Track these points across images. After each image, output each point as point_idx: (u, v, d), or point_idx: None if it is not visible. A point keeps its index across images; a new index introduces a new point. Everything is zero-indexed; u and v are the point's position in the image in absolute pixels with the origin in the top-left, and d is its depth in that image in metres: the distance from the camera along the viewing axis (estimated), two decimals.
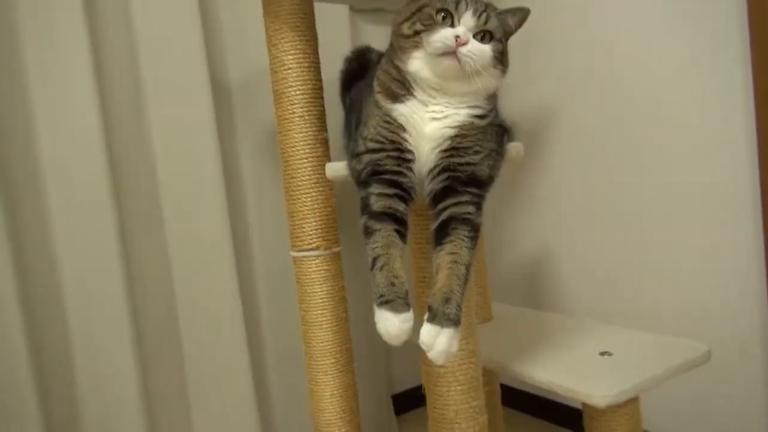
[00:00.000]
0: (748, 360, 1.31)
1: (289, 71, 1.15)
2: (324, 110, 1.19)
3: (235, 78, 1.54)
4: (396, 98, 0.89)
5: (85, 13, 1.29)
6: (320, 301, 1.19)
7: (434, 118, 0.88)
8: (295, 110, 1.15)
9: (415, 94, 0.89)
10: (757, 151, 1.23)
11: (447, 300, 0.83)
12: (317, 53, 1.18)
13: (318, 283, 1.19)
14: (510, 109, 1.29)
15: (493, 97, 0.92)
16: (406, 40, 0.86)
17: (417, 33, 0.85)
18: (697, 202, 1.35)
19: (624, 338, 1.21)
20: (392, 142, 0.89)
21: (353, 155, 0.94)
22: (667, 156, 1.40)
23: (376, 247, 0.86)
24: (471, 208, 0.88)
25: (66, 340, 1.31)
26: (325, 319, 1.20)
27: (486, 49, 0.85)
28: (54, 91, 1.28)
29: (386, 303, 0.82)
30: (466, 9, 0.84)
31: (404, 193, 0.90)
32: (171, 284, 1.45)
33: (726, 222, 1.31)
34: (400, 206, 0.89)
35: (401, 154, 0.89)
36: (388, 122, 0.90)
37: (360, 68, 1.24)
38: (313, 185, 1.18)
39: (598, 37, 1.51)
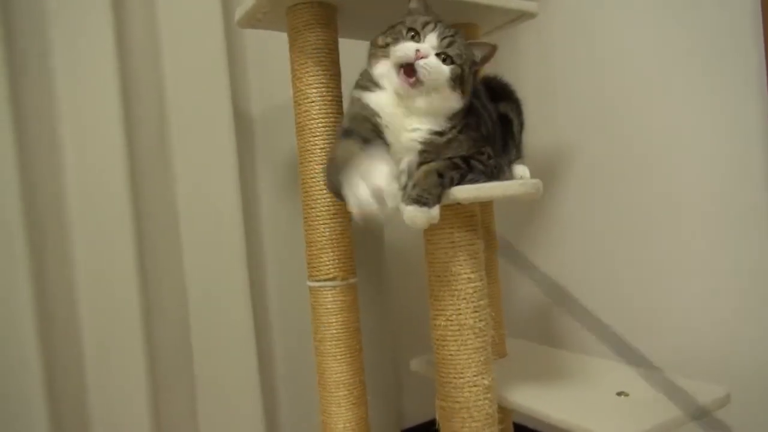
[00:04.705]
0: (765, 405, 1.28)
1: (313, 104, 1.17)
2: None
3: (257, 109, 1.58)
4: (366, 88, 0.98)
5: (116, 42, 1.33)
6: (335, 332, 1.19)
7: (406, 129, 0.96)
8: (316, 142, 1.18)
9: (384, 88, 0.97)
10: None
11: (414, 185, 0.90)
12: (340, 87, 1.21)
13: (333, 313, 1.19)
14: (525, 146, 1.32)
15: (454, 118, 0.97)
16: (377, 49, 0.96)
17: (386, 45, 0.94)
18: (718, 243, 1.35)
19: (641, 379, 1.19)
20: (367, 120, 0.96)
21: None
22: (685, 195, 1.40)
23: (341, 148, 0.95)
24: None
25: (79, 359, 1.32)
26: (339, 350, 1.20)
27: (444, 68, 0.92)
28: (82, 117, 1.31)
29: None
30: (432, 30, 0.93)
31: None
32: (186, 309, 1.46)
33: (746, 265, 1.30)
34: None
35: (378, 130, 0.95)
36: (362, 106, 0.97)
37: None
38: (332, 216, 1.19)
39: (612, 73, 1.53)
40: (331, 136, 1.18)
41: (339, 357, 1.19)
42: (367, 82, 0.99)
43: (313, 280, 1.21)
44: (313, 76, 1.17)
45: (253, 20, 1.24)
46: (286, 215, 1.58)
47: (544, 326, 1.80)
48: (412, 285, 1.57)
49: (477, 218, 1.03)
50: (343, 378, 1.19)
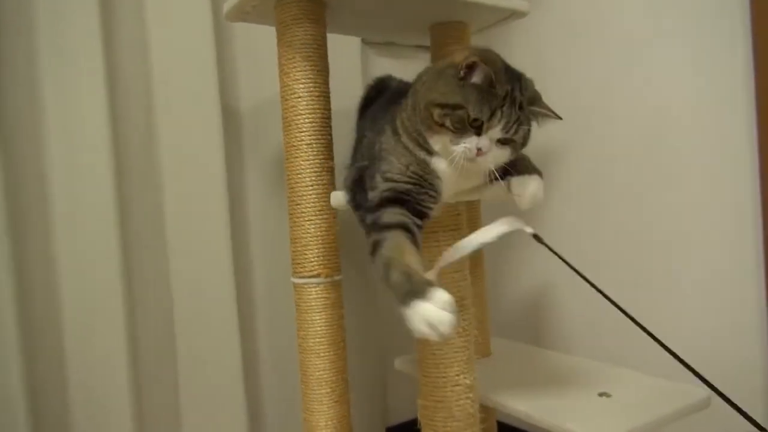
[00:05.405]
0: (747, 408, 1.29)
1: (300, 99, 1.16)
2: (332, 139, 1.21)
3: (245, 104, 1.57)
4: (431, 152, 0.91)
5: (102, 36, 1.32)
6: (319, 328, 1.19)
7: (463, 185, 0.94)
8: (303, 138, 1.17)
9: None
10: (761, 217, 1.23)
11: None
12: (328, 83, 1.20)
13: (317, 310, 1.19)
14: None
15: None
16: (433, 122, 0.86)
17: (444, 126, 0.85)
18: (703, 248, 1.35)
19: (623, 380, 1.20)
20: (429, 183, 0.91)
21: (371, 188, 0.94)
22: (673, 199, 1.40)
23: (384, 252, 0.82)
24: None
25: (61, 362, 1.31)
26: (322, 347, 1.19)
27: (504, 153, 0.87)
28: (67, 110, 1.30)
29: (414, 295, 0.74)
30: (498, 122, 0.84)
31: (422, 218, 0.91)
32: (170, 304, 1.45)
33: (730, 272, 1.31)
34: (415, 223, 0.89)
35: (435, 194, 0.92)
36: (424, 167, 0.91)
37: (378, 95, 1.27)
38: (318, 213, 1.18)
39: (603, 72, 1.53)
40: (318, 132, 1.17)
41: (322, 354, 1.19)
42: (425, 143, 0.90)
43: (297, 277, 1.21)
44: (300, 71, 1.16)
45: (241, 13, 1.23)
46: (273, 211, 1.58)
47: (529, 326, 1.80)
48: None
49: (462, 217, 1.03)
50: (325, 375, 1.19)
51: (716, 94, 1.31)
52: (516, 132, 0.86)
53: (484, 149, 0.84)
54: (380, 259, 0.82)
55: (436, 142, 0.88)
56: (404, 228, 0.87)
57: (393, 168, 0.91)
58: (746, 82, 1.24)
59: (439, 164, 0.90)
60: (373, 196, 0.92)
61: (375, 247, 0.85)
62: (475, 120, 0.84)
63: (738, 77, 1.26)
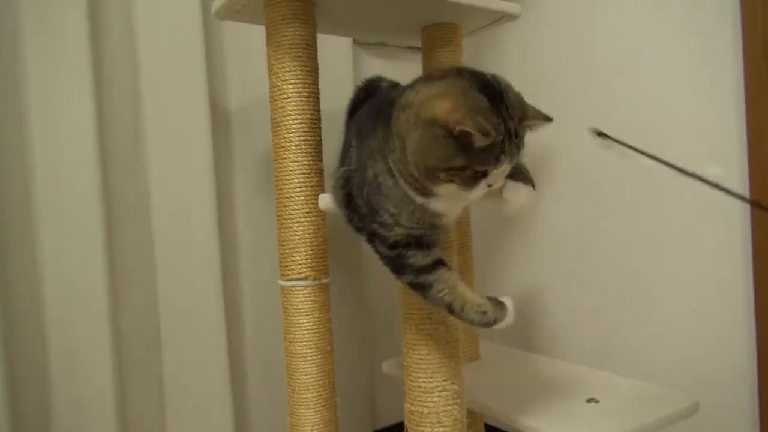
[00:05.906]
0: (735, 414, 1.29)
1: (288, 100, 1.15)
2: (321, 140, 1.19)
3: (234, 104, 1.55)
4: (429, 195, 0.88)
5: (90, 34, 1.30)
6: (306, 332, 1.18)
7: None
8: (292, 139, 1.16)
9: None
10: (750, 223, 1.23)
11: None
12: (317, 84, 1.19)
13: (305, 313, 1.18)
14: None
15: None
16: (440, 180, 0.83)
17: (451, 181, 0.83)
18: (693, 253, 1.35)
19: (612, 385, 1.19)
20: (432, 224, 0.91)
21: (381, 224, 0.92)
22: (666, 206, 1.40)
23: (444, 298, 0.91)
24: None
25: (44, 363, 1.29)
26: (309, 350, 1.18)
27: (507, 168, 0.86)
28: (53, 109, 1.28)
29: (494, 323, 0.92)
30: (503, 162, 0.83)
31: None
32: (156, 306, 1.43)
33: (719, 278, 1.31)
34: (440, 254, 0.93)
35: (440, 230, 0.93)
36: (424, 211, 0.89)
37: (367, 96, 1.25)
38: (306, 215, 1.17)
39: (595, 74, 1.53)
40: (306, 134, 1.16)
41: (309, 358, 1.18)
42: (425, 190, 0.87)
43: (284, 279, 1.19)
44: (290, 71, 1.15)
45: (231, 12, 1.22)
46: (261, 212, 1.56)
47: (519, 330, 1.79)
48: (389, 286, 1.56)
49: (452, 234, 1.02)
50: (312, 380, 1.18)
51: (707, 98, 1.31)
52: (518, 156, 0.86)
53: (494, 185, 0.85)
54: (441, 302, 0.92)
55: (445, 190, 0.85)
56: (441, 264, 0.92)
57: (401, 213, 0.90)
58: (737, 85, 1.25)
59: (438, 204, 0.89)
60: (387, 234, 0.92)
61: (424, 288, 0.92)
62: (484, 172, 0.82)
63: (728, 82, 1.26)
